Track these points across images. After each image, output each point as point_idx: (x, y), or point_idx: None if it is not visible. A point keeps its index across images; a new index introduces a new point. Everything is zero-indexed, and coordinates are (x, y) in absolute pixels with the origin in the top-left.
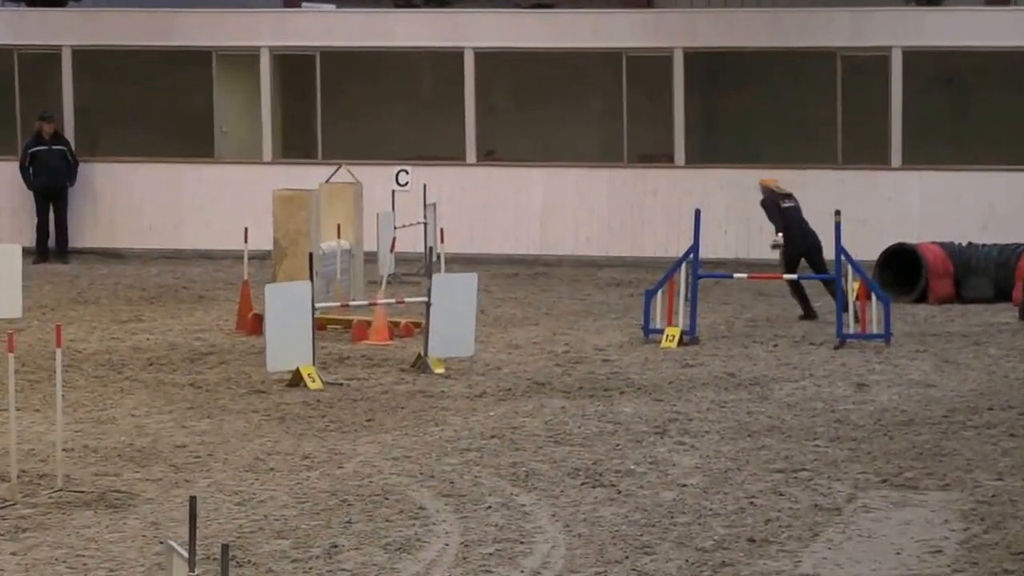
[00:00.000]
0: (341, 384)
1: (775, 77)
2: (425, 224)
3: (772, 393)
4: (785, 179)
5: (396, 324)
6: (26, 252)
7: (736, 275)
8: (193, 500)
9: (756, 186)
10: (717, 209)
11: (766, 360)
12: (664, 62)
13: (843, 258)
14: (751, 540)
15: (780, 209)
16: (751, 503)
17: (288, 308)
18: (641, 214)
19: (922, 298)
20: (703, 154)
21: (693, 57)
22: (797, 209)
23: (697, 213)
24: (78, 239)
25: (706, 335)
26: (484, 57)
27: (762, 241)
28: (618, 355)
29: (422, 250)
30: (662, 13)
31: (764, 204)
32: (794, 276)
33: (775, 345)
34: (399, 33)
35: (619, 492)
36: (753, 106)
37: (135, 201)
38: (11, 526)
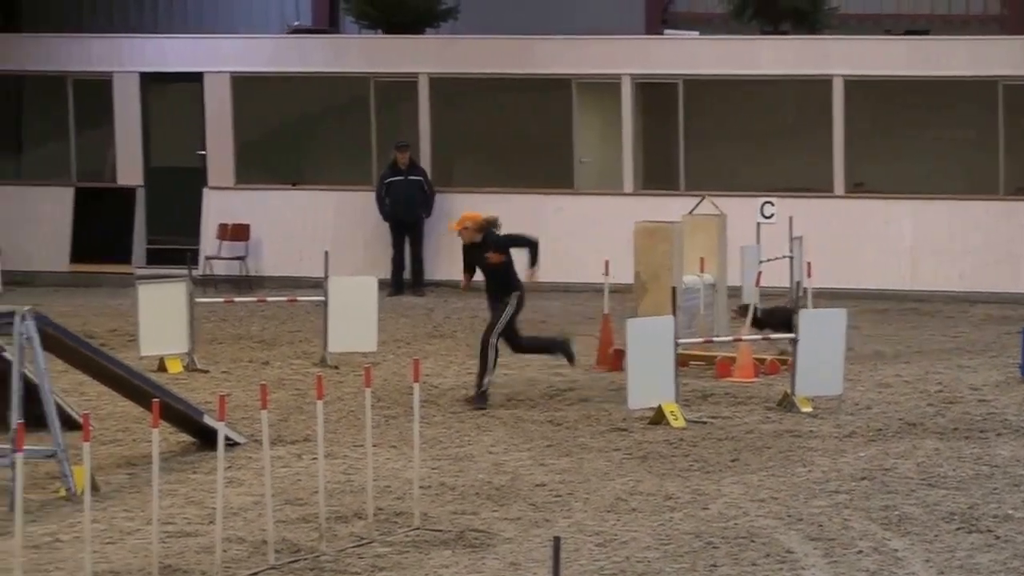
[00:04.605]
0: (705, 422)
1: None
2: (791, 258)
3: None
4: None
5: (761, 361)
6: (381, 284)
7: None
8: (557, 541)
9: None
10: None
11: None
12: None
13: None
14: None
15: None
16: None
17: (650, 343)
18: (1018, 248)
19: None
20: None
21: None
22: None
23: None
24: (433, 271)
25: None
26: (853, 85)
27: None
28: (994, 395)
29: (788, 285)
30: None
31: None
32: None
33: None
34: (764, 60)
35: (997, 538)
36: None
37: None
38: (368, 564)
